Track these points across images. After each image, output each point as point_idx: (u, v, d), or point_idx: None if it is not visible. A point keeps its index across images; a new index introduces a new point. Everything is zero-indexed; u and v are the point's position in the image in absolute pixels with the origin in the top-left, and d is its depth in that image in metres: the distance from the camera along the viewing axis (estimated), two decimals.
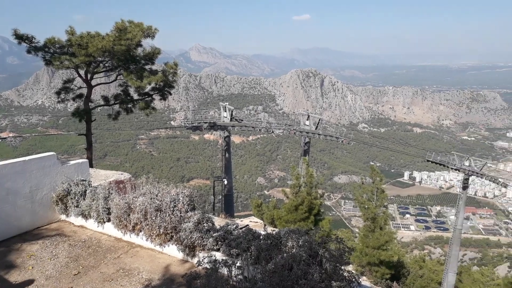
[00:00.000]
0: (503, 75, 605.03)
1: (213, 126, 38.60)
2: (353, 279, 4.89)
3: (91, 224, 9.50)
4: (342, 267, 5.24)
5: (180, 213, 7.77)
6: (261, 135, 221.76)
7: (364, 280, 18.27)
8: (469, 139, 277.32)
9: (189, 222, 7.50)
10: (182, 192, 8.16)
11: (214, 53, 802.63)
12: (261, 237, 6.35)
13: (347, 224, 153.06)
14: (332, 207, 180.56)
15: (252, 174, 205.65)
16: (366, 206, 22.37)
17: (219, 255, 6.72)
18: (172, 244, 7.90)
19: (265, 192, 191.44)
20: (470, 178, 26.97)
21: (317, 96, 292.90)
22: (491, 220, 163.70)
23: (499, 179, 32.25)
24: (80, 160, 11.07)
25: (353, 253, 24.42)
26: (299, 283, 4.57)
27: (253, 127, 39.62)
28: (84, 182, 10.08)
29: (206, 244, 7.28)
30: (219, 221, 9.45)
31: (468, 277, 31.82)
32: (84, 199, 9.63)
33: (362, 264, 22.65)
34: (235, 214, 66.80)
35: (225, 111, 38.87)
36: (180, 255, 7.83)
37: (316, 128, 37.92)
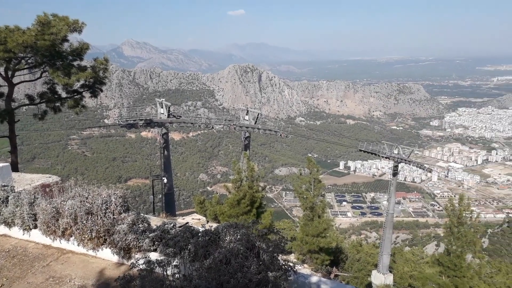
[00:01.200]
0: (426, 68, 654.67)
1: (150, 123, 37.41)
2: (289, 268, 4.98)
3: (16, 232, 8.80)
4: (281, 257, 5.32)
5: (113, 215, 7.43)
6: (202, 131, 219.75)
7: (305, 268, 18.88)
8: (398, 128, 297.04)
9: (123, 224, 7.21)
10: (115, 193, 7.80)
11: (148, 48, 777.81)
12: (199, 234, 6.27)
13: (289, 214, 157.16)
14: (274, 199, 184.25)
15: (194, 171, 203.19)
16: (305, 196, 23.02)
17: (156, 256, 6.54)
18: (106, 248, 7.54)
19: (208, 188, 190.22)
20: (399, 165, 28.82)
21: (255, 91, 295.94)
22: (419, 203, 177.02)
23: (425, 165, 34.93)
24: (0, 164, 10.18)
25: (294, 242, 25.11)
26: (236, 277, 4.57)
27: (192, 123, 39.00)
28: (5, 187, 9.30)
29: (142, 245, 7.04)
30: (156, 221, 9.18)
31: (401, 257, 34.16)
32: (6, 206, 8.88)
33: (303, 252, 23.32)
34: (178, 212, 65.61)
35: (162, 108, 37.83)
36: (115, 258, 7.50)
37: (255, 123, 38.25)
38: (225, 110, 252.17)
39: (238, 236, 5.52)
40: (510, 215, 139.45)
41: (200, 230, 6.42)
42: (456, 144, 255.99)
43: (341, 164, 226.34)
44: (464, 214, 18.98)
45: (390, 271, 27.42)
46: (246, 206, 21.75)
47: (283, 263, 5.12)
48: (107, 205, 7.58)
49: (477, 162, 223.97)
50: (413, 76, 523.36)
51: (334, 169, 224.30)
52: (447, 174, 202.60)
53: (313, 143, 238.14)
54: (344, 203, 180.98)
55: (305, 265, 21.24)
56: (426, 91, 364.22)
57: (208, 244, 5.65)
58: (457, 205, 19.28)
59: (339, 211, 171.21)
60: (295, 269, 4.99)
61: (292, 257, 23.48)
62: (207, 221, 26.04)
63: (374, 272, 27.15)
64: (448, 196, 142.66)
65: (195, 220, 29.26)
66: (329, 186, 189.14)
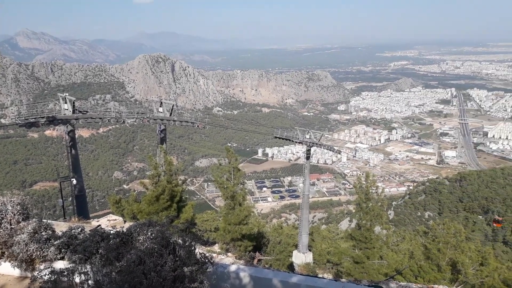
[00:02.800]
0: (331, 56, 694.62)
1: (53, 121, 34.24)
2: (206, 261, 4.91)
3: None
4: (202, 249, 5.22)
5: (10, 225, 6.66)
6: (113, 126, 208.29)
7: (228, 257, 19.01)
8: (309, 114, 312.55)
9: (22, 233, 6.49)
10: (11, 200, 6.98)
11: (47, 39, 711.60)
12: (110, 237, 5.89)
13: (212, 205, 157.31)
14: (196, 192, 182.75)
15: (108, 169, 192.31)
16: (225, 186, 23.06)
17: (63, 264, 6.00)
18: (5, 261, 6.74)
19: (124, 186, 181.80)
20: (312, 149, 30.22)
21: (169, 82, 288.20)
22: (332, 183, 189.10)
23: (335, 147, 37.21)
24: None
25: (217, 232, 25.14)
26: (149, 276, 4.38)
27: (101, 118, 36.48)
28: None
29: (47, 255, 6.42)
30: (63, 227, 8.43)
31: (318, 235, 36.20)
32: None
33: (226, 241, 23.45)
34: (92, 214, 61.76)
35: (66, 103, 34.83)
36: (16, 272, 6.75)
37: (170, 115, 37.12)
38: (137, 102, 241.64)
39: (153, 235, 5.30)
40: (410, 188, 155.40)
41: (111, 232, 6.03)
42: (361, 126, 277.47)
43: (260, 151, 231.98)
44: (370, 190, 20.58)
45: (310, 250, 28.90)
46: (165, 202, 21.14)
47: (200, 256, 5.03)
48: (2, 214, 6.76)
49: (380, 142, 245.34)
50: (321, 63, 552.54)
51: (253, 156, 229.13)
52: (355, 154, 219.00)
53: (232, 132, 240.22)
54: (264, 188, 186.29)
55: (229, 254, 21.39)
56: (333, 77, 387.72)
57: (120, 246, 5.33)
58: (364, 182, 20.84)
59: (260, 197, 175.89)
60: (212, 261, 4.93)
61: (216, 247, 23.51)
62: (125, 221, 24.87)
63: (295, 252, 28.39)
64: (356, 175, 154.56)
65: (112, 221, 27.79)
66: (249, 174, 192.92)
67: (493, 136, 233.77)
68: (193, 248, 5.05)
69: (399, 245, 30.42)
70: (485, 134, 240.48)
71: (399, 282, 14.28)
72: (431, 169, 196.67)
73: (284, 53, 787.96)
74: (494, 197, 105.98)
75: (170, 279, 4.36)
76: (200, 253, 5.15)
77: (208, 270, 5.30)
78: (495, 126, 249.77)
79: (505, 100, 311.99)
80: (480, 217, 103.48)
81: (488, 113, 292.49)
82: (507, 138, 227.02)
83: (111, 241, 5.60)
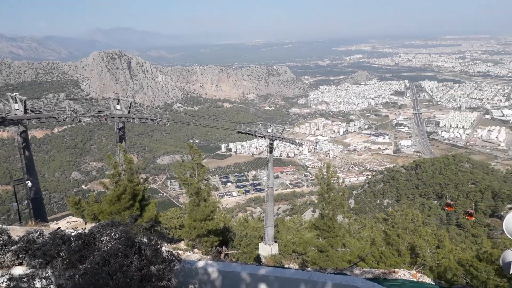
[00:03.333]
0: (290, 50, 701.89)
1: (3, 122, 32.39)
2: (174, 258, 4.86)
3: None
4: (168, 247, 5.16)
5: None
6: (69, 126, 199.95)
7: (195, 253, 18.89)
8: (270, 109, 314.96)
9: None
10: None
11: None
12: (72, 239, 5.67)
13: (176, 202, 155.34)
14: (159, 190, 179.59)
15: (65, 169, 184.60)
16: (189, 183, 22.84)
17: (21, 270, 5.72)
18: None
19: (84, 187, 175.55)
20: (274, 143, 30.50)
21: (126, 79, 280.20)
22: (295, 175, 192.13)
23: (296, 140, 37.80)
24: None
25: (183, 229, 24.89)
26: (115, 277, 4.27)
27: (55, 117, 34.88)
28: None
29: (3, 261, 6.09)
30: (19, 231, 8.02)
31: (283, 227, 36.72)
32: None
33: (192, 238, 23.28)
34: (50, 217, 59.15)
35: (16, 103, 33.04)
36: None
37: (129, 112, 36.14)
38: (93, 100, 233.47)
39: (117, 235, 5.16)
40: (369, 177, 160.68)
41: (72, 235, 5.81)
42: (321, 119, 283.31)
43: (223, 147, 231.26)
44: (332, 181, 21.12)
45: (275, 241, 29.27)
46: (127, 201, 20.66)
47: (167, 254, 4.96)
48: None
49: (339, 134, 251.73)
50: (279, 58, 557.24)
51: (217, 152, 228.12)
52: (316, 146, 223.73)
53: (194, 128, 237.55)
54: (229, 183, 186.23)
55: (195, 250, 21.26)
56: (292, 72, 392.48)
57: (83, 248, 5.15)
58: (325, 173, 21.34)
59: (225, 192, 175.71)
60: (180, 258, 4.88)
61: (181, 245, 23.29)
62: (86, 223, 24.06)
63: (261, 244, 28.65)
64: (318, 166, 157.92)
65: (72, 223, 26.80)
66: (213, 169, 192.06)
67: (444, 125, 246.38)
68: (159, 246, 4.98)
69: (361, 232, 31.47)
70: (437, 123, 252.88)
71: (362, 268, 14.80)
72: (388, 158, 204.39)
73: (243, 48, 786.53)
74: (447, 183, 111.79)
75: (137, 279, 4.28)
76: (166, 251, 5.08)
77: (175, 267, 5.25)
78: (446, 116, 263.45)
79: (454, 91, 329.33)
80: (435, 202, 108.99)
81: (439, 103, 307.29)
82: (457, 127, 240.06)
83: (73, 244, 5.40)
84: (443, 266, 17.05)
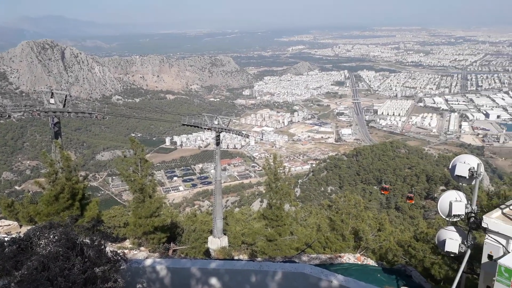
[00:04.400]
0: (232, 40, 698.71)
1: None
2: (119, 258, 4.65)
3: None
4: (113, 247, 4.92)
5: None
6: None
7: (141, 251, 18.39)
8: (215, 100, 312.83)
9: None
10: None
11: None
12: (5, 244, 5.22)
13: (119, 200, 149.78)
14: (100, 187, 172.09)
15: None
16: (132, 179, 22.10)
17: None
18: None
19: (17, 188, 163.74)
20: (221, 135, 30.37)
21: (60, 70, 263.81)
22: (242, 166, 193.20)
23: (243, 132, 37.95)
24: None
25: (128, 227, 24.10)
26: (56, 283, 4.00)
27: None
28: None
29: None
30: None
31: (232, 219, 36.81)
32: None
33: (138, 236, 22.64)
34: None
35: None
36: None
37: (64, 106, 34.01)
38: (24, 94, 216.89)
39: (56, 237, 4.81)
40: (313, 165, 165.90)
41: (6, 240, 5.35)
42: (266, 110, 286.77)
43: (167, 140, 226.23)
44: (279, 171, 21.50)
45: (225, 234, 29.31)
46: (66, 201, 19.57)
47: (112, 254, 4.73)
48: None
49: (284, 124, 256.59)
50: (222, 48, 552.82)
51: (161, 146, 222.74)
52: (262, 137, 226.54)
53: (135, 122, 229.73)
54: (175, 178, 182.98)
55: (142, 248, 20.72)
56: (236, 62, 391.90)
57: (18, 253, 4.74)
58: (272, 163, 21.66)
59: (171, 187, 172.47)
60: (125, 258, 4.68)
61: (127, 243, 22.59)
62: (21, 226, 22.49)
63: (210, 238, 28.55)
64: (264, 157, 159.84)
65: (5, 227, 24.95)
66: (157, 164, 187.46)
67: (382, 113, 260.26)
68: (103, 246, 4.73)
69: (307, 219, 32.45)
70: (375, 111, 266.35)
71: (310, 254, 15.28)
72: (331, 147, 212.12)
73: (184, 38, 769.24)
74: (385, 168, 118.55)
75: (80, 282, 4.03)
76: (111, 251, 4.84)
77: (121, 267, 5.02)
78: (383, 104, 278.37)
79: (390, 80, 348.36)
80: (375, 187, 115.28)
81: (377, 92, 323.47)
82: (393, 114, 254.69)
83: (7, 249, 4.96)
84: (385, 248, 18.07)
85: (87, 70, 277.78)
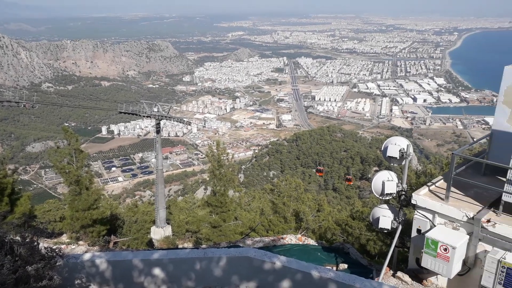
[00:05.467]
0: (170, 25, 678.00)
1: None
2: (54, 254, 4.42)
3: None
4: (48, 243, 4.65)
5: None
6: None
7: (80, 245, 17.60)
8: (154, 86, 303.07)
9: None
10: None
11: None
12: None
13: (53, 193, 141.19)
14: (32, 180, 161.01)
15: None
16: (67, 171, 20.93)
17: None
18: None
19: None
20: (161, 122, 29.59)
21: None
22: (185, 154, 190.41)
23: (184, 119, 37.25)
24: None
25: (64, 221, 22.91)
26: None
27: None
28: None
29: None
30: None
31: (175, 207, 36.28)
32: None
33: (76, 230, 21.64)
34: None
35: None
36: None
37: None
38: None
39: None
40: (256, 151, 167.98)
41: None
42: (208, 96, 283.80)
43: (104, 129, 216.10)
44: (222, 158, 21.52)
45: (168, 223, 28.85)
46: None
47: (46, 251, 4.48)
48: None
49: (226, 111, 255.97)
50: (160, 33, 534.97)
51: (97, 135, 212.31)
52: (204, 124, 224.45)
53: (68, 110, 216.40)
54: (114, 168, 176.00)
55: (80, 242, 19.83)
56: (175, 48, 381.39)
57: None
58: (215, 150, 21.61)
59: (110, 178, 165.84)
60: (61, 253, 4.45)
61: (64, 238, 21.51)
62: None
63: (153, 228, 27.95)
64: (207, 144, 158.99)
65: None
66: (94, 155, 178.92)
67: (319, 99, 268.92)
68: (35, 243, 4.45)
69: (251, 204, 32.91)
70: (313, 97, 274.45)
71: (253, 238, 15.57)
72: (272, 132, 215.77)
73: (119, 21, 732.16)
74: (323, 152, 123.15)
75: (10, 283, 3.77)
76: (45, 248, 4.57)
77: (57, 264, 4.78)
78: (320, 90, 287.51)
79: (326, 67, 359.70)
80: (314, 170, 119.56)
81: (314, 78, 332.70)
82: (330, 100, 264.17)
83: None
84: (324, 228, 18.93)
85: (12, 56, 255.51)
